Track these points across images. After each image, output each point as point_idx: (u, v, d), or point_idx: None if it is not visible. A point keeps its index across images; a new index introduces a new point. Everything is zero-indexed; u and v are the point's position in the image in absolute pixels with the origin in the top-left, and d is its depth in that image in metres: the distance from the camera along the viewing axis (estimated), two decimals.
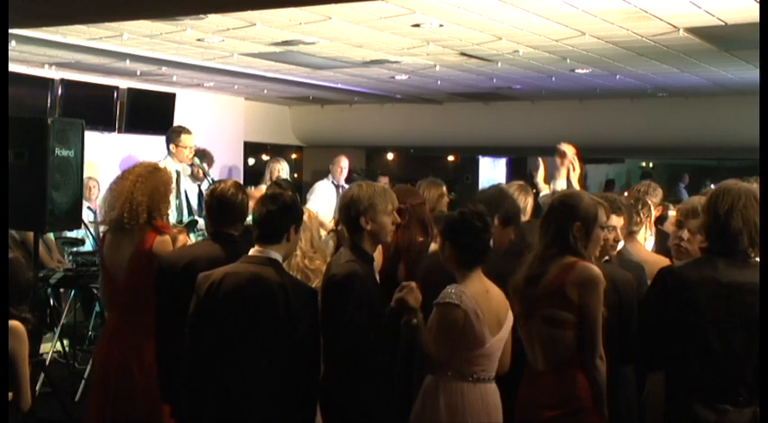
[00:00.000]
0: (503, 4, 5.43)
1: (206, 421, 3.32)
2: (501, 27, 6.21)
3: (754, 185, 3.12)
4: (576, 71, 8.33)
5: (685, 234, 3.95)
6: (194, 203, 7.15)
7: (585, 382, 3.20)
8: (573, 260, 3.25)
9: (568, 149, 5.58)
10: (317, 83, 9.77)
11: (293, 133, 13.23)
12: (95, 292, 6.54)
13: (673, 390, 3.09)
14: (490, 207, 3.76)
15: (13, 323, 3.59)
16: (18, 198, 4.68)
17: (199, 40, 6.96)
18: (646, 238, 4.76)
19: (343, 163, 8.66)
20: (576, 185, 5.83)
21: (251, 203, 3.87)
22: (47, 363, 6.18)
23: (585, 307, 3.19)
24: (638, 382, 3.70)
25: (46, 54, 7.78)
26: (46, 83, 8.64)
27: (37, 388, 5.21)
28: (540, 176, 6.03)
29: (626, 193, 6.43)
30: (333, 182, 8.60)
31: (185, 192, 6.99)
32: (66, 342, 6.78)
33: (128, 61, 8.09)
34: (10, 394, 3.56)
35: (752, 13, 5.32)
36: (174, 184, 6.89)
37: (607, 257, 3.84)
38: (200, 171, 7.18)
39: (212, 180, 6.66)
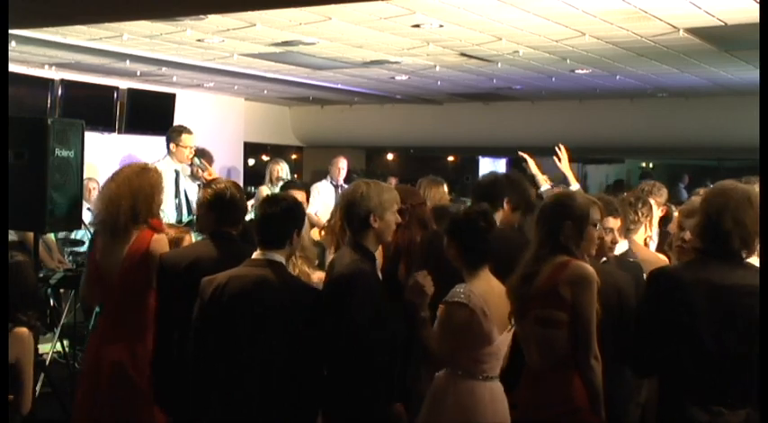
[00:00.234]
0: (503, 4, 5.43)
1: (207, 422, 3.33)
2: (501, 27, 6.21)
3: (751, 187, 3.11)
4: (576, 71, 8.34)
5: (687, 235, 3.94)
6: (194, 203, 7.15)
7: (581, 383, 3.19)
8: (566, 259, 3.25)
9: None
10: (317, 83, 9.78)
11: (293, 134, 13.24)
12: None
13: (666, 391, 3.08)
14: (496, 188, 3.78)
15: (21, 330, 3.57)
16: (18, 198, 4.67)
17: (199, 40, 6.96)
18: (650, 239, 4.75)
19: (342, 163, 8.68)
20: (569, 175, 5.87)
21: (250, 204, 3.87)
22: (47, 363, 6.18)
23: (579, 306, 3.18)
24: (636, 383, 3.70)
25: (46, 54, 7.78)
26: (46, 83, 8.65)
27: (37, 388, 5.20)
28: (533, 169, 6.06)
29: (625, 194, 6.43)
30: (332, 182, 8.62)
31: (185, 191, 6.99)
32: (66, 342, 6.78)
33: (128, 62, 8.09)
34: (10, 396, 3.56)
35: (752, 14, 5.32)
36: (173, 184, 7.01)
37: (605, 259, 3.85)
38: (200, 170, 7.17)
39: (202, 183, 6.61)
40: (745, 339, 2.90)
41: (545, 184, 5.94)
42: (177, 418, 3.79)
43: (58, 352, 6.78)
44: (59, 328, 6.78)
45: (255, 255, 3.38)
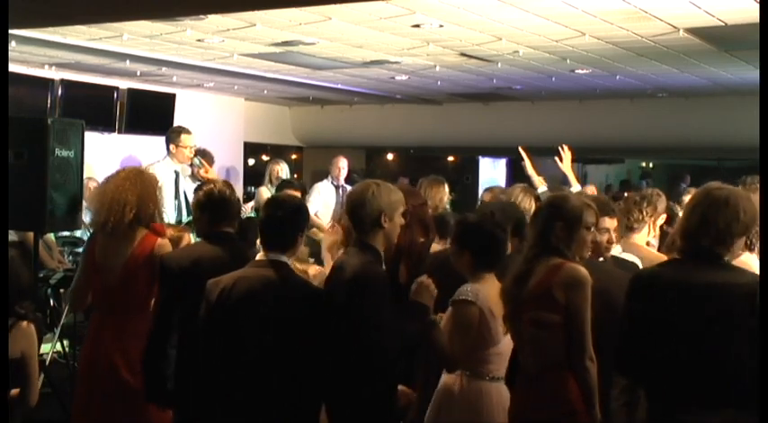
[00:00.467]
0: (503, 4, 5.43)
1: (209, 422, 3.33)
2: (501, 27, 6.21)
3: (738, 189, 3.08)
4: (576, 71, 8.34)
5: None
6: None
7: (576, 385, 3.18)
8: (560, 261, 3.24)
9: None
10: (317, 83, 9.78)
11: (293, 134, 13.23)
12: None
13: (649, 393, 3.06)
14: (504, 214, 3.83)
15: (23, 324, 3.59)
16: (18, 198, 4.68)
17: (199, 40, 6.96)
18: (650, 245, 4.74)
19: (342, 163, 8.67)
20: (570, 175, 5.85)
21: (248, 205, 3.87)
22: (47, 363, 6.18)
23: (573, 308, 3.17)
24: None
25: (46, 54, 7.78)
26: (46, 83, 8.65)
27: None
28: (529, 170, 6.04)
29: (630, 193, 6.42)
30: (332, 182, 8.61)
31: (185, 192, 6.99)
32: (66, 342, 6.77)
33: (128, 62, 8.09)
34: (16, 391, 3.58)
35: (752, 14, 5.32)
36: (173, 185, 7.01)
37: (601, 258, 3.85)
38: (199, 170, 7.17)
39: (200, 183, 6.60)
40: (722, 339, 2.88)
41: (542, 186, 5.94)
42: (177, 415, 3.81)
43: (57, 352, 6.78)
44: (59, 328, 6.78)
45: (260, 256, 3.39)
